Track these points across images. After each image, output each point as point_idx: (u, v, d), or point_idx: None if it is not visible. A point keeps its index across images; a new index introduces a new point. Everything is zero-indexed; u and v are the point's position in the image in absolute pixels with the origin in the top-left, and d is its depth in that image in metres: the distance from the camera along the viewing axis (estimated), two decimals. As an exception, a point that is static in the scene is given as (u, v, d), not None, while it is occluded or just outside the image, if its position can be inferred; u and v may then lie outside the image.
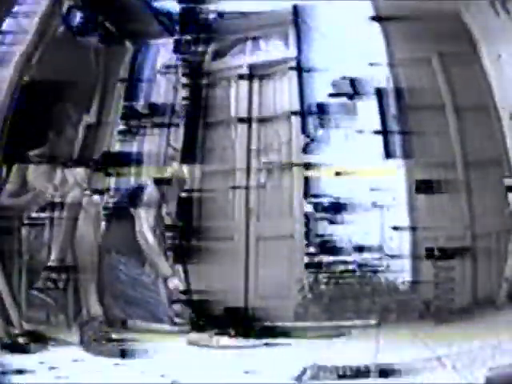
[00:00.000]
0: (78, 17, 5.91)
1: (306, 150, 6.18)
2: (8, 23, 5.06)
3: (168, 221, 6.10)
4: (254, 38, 6.66)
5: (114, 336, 4.86)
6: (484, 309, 5.52)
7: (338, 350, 4.75)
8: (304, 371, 3.84)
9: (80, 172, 5.53)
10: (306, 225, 6.04)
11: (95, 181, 5.75)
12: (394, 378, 3.74)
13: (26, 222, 5.34)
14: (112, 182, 6.16)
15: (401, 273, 5.85)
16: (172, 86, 6.64)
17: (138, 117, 6.47)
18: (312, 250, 5.97)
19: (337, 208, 5.94)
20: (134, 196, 5.99)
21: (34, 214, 5.34)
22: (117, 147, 6.33)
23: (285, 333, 5.28)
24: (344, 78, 6.07)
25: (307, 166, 6.13)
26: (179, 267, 5.96)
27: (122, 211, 5.92)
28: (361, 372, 3.80)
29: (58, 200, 5.30)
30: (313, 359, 3.99)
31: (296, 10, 6.43)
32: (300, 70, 6.35)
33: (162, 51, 6.66)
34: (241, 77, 6.57)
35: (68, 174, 5.51)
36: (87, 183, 5.48)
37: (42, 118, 5.57)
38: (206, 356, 4.76)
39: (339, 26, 6.17)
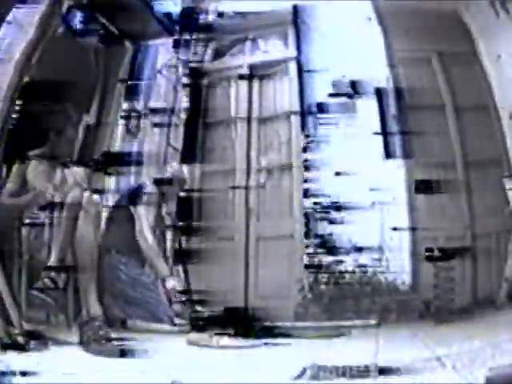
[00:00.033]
0: (77, 17, 5.91)
1: (305, 149, 6.19)
2: (7, 23, 5.05)
3: (168, 221, 6.10)
4: (254, 38, 6.67)
5: (113, 336, 4.85)
6: (484, 309, 5.52)
7: (337, 349, 4.74)
8: (304, 371, 3.84)
9: (80, 172, 5.52)
10: (306, 225, 6.05)
11: (95, 181, 5.75)
12: (393, 377, 3.74)
13: (26, 221, 5.34)
14: (112, 181, 6.17)
15: (401, 273, 5.85)
16: (172, 86, 6.64)
17: (138, 117, 6.48)
18: (312, 250, 5.97)
19: (337, 208, 5.94)
20: (134, 196, 5.99)
21: (34, 214, 5.34)
22: (117, 147, 6.33)
23: (285, 333, 5.28)
24: (344, 77, 6.07)
25: (307, 165, 6.13)
26: (179, 267, 5.96)
27: (122, 211, 5.92)
28: (361, 372, 3.80)
29: (57, 200, 5.29)
30: (313, 359, 3.98)
31: (296, 10, 6.43)
32: (300, 70, 6.35)
33: (162, 51, 6.67)
34: (241, 77, 6.57)
35: (68, 173, 5.50)
36: (87, 183, 5.47)
37: (42, 118, 5.56)
38: (206, 356, 4.76)
39: (339, 26, 6.18)
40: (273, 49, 6.63)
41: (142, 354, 4.50)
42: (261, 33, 6.64)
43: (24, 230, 5.33)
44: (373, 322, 5.60)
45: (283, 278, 6.00)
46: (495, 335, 4.39)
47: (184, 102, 6.57)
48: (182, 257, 6.03)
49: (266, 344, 5.00)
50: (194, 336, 5.16)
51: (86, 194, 5.26)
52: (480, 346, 4.19)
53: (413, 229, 5.88)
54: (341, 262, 5.91)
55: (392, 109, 6.07)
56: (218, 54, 6.71)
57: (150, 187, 6.03)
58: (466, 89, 6.02)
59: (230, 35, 6.68)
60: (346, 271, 5.91)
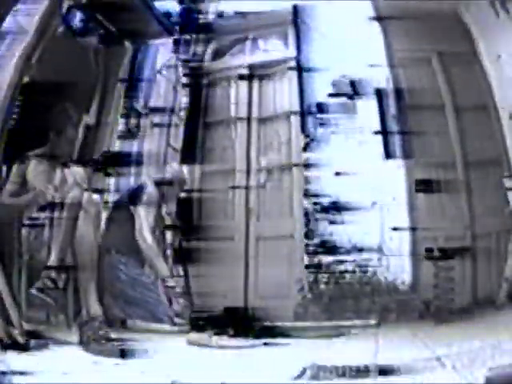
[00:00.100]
0: (77, 17, 5.91)
1: (305, 149, 6.19)
2: (8, 23, 5.05)
3: (168, 221, 6.10)
4: (254, 38, 6.67)
5: (113, 336, 4.86)
6: (484, 309, 5.51)
7: (337, 349, 4.75)
8: (304, 371, 3.84)
9: (80, 172, 5.52)
10: (306, 225, 6.05)
11: (95, 181, 5.75)
12: (393, 377, 3.74)
13: (26, 222, 5.34)
14: (112, 181, 6.17)
15: (400, 273, 5.85)
16: (172, 86, 6.64)
17: (138, 117, 6.48)
18: (312, 249, 5.97)
19: (337, 208, 5.94)
20: (134, 196, 5.99)
21: (34, 214, 5.34)
22: (117, 147, 6.33)
23: (284, 333, 5.28)
24: (344, 77, 6.07)
25: (307, 165, 6.13)
26: (179, 267, 5.96)
27: (121, 211, 5.93)
28: (360, 372, 3.80)
29: (57, 200, 5.29)
30: (312, 359, 3.98)
31: (296, 10, 6.43)
32: (300, 69, 6.35)
33: (162, 51, 6.67)
34: (241, 77, 6.57)
35: (68, 173, 5.51)
36: (87, 183, 5.47)
37: (42, 117, 5.57)
38: (205, 356, 4.76)
39: (339, 26, 6.17)
40: (273, 49, 6.63)
41: (142, 354, 4.50)
42: (261, 33, 6.64)
43: (24, 230, 5.33)
44: (372, 321, 5.60)
45: (283, 277, 6.00)
46: (495, 335, 4.39)
47: (184, 102, 6.57)
48: (182, 257, 6.03)
49: (265, 344, 5.00)
50: (194, 336, 5.16)
51: (86, 194, 5.26)
52: (480, 346, 4.19)
53: (413, 229, 5.88)
54: (341, 261, 5.92)
55: (392, 109, 6.07)
56: (218, 54, 6.71)
57: (150, 188, 6.03)
58: (466, 89, 6.02)
59: (230, 35, 6.68)
60: (346, 271, 5.91)
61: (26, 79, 5.19)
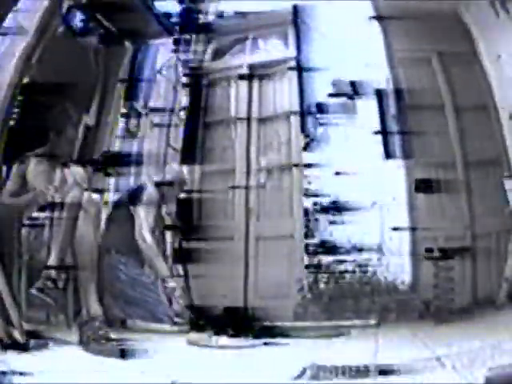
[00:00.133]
0: (77, 17, 5.91)
1: (305, 149, 6.19)
2: (8, 23, 5.05)
3: (168, 221, 6.10)
4: (254, 38, 6.66)
5: (113, 336, 4.86)
6: (484, 309, 5.52)
7: (337, 349, 4.75)
8: (304, 371, 3.84)
9: (80, 172, 5.52)
10: (306, 225, 6.05)
11: (95, 181, 5.75)
12: (393, 377, 3.74)
13: (26, 222, 5.34)
14: (112, 181, 6.17)
15: (400, 273, 5.85)
16: (172, 86, 6.64)
17: (138, 117, 6.48)
18: (312, 249, 5.97)
19: (336, 208, 5.94)
20: (134, 196, 5.99)
21: (34, 214, 5.34)
22: (117, 147, 6.33)
23: (284, 333, 5.28)
24: (344, 77, 6.07)
25: (307, 165, 6.13)
26: (179, 267, 5.96)
27: (121, 211, 5.93)
28: (360, 372, 3.80)
29: (57, 200, 5.29)
30: (312, 359, 3.99)
31: (296, 10, 6.43)
32: (300, 69, 6.35)
33: (162, 51, 6.67)
34: (241, 77, 6.57)
35: (68, 173, 5.51)
36: (87, 183, 5.47)
37: (42, 117, 5.57)
38: (205, 356, 4.76)
39: (339, 26, 6.17)
40: (273, 49, 6.63)
41: (142, 354, 4.50)
42: (261, 33, 6.64)
43: (24, 230, 5.33)
44: (372, 321, 5.60)
45: (283, 277, 6.00)
46: (495, 335, 4.39)
47: (184, 102, 6.57)
48: (182, 257, 6.03)
49: (265, 344, 5.00)
50: (194, 336, 5.16)
51: (86, 194, 5.26)
52: (480, 346, 4.19)
53: (413, 229, 5.88)
54: (341, 261, 5.91)
55: (392, 109, 6.07)
56: (218, 54, 6.71)
57: (150, 188, 6.03)
58: (466, 89, 6.02)
59: (230, 35, 6.68)
60: (346, 271, 5.91)
61: (26, 79, 5.19)
